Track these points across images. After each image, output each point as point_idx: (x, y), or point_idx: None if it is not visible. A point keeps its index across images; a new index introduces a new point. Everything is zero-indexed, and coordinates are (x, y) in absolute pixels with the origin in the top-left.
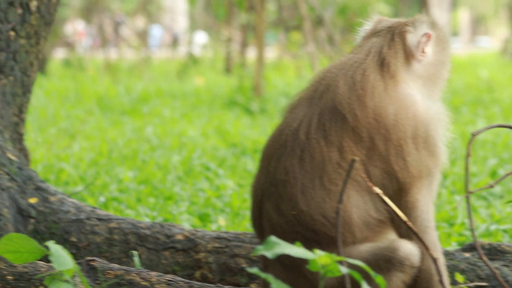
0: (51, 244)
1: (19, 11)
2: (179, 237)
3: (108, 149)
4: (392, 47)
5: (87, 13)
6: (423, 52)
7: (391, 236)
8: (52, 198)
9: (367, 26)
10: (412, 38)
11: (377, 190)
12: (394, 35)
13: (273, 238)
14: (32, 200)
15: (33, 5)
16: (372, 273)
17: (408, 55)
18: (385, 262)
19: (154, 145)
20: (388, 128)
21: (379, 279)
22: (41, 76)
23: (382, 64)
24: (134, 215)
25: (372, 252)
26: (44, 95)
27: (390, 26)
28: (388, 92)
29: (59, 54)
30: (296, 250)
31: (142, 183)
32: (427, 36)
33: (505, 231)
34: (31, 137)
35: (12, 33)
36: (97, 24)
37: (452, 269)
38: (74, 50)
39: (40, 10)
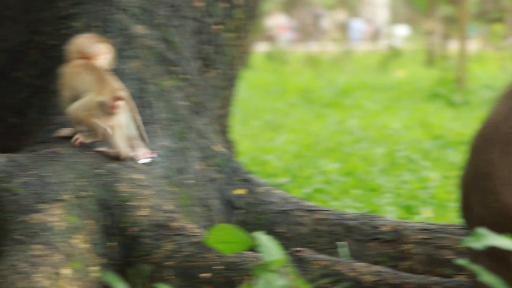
0: (259, 234)
1: (225, 5)
2: (385, 228)
3: (312, 141)
4: None
5: (288, 7)
6: None
7: None
8: (259, 190)
9: None
10: None
11: None
12: None
13: (481, 230)
14: (240, 191)
15: None
16: None
17: None
18: None
19: (357, 137)
20: None
21: None
22: (245, 69)
23: None
24: (339, 206)
25: None
26: (248, 88)
27: None
28: None
29: (261, 48)
30: (505, 242)
31: (346, 174)
32: None
33: None
34: (237, 130)
35: (218, 27)
36: (298, 18)
37: None
38: (276, 43)
39: (245, 4)
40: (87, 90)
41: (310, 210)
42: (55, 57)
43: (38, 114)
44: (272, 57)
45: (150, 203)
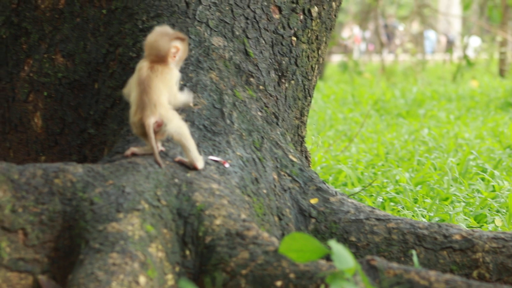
0: (333, 243)
1: (301, 17)
2: (457, 237)
3: (385, 151)
4: None
5: (363, 19)
6: None
7: None
8: (332, 199)
9: None
10: None
11: None
12: None
13: None
14: (313, 201)
15: (315, 11)
16: None
17: None
18: None
19: (430, 147)
20: None
21: None
22: (319, 80)
23: None
24: (411, 216)
25: None
26: (322, 98)
27: None
28: None
29: (336, 59)
30: None
31: (418, 184)
32: None
33: None
34: (311, 139)
35: (294, 39)
36: (372, 29)
37: None
38: (350, 54)
39: (321, 15)
40: (131, 100)
41: (383, 219)
42: (134, 69)
43: (116, 125)
44: (347, 68)
45: (225, 212)
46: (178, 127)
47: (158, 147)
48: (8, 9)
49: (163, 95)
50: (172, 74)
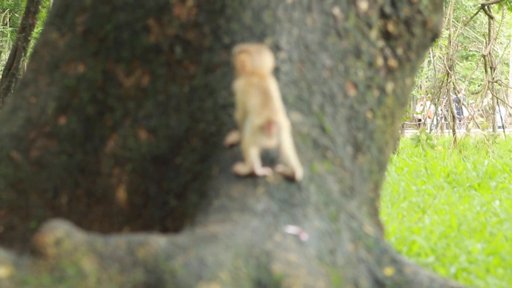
0: None
1: (376, 93)
2: None
3: (458, 222)
4: None
5: (435, 93)
6: None
7: None
8: (406, 270)
9: None
10: None
11: None
12: None
13: None
14: (388, 271)
15: (389, 87)
16: None
17: None
18: None
19: (501, 218)
20: None
21: None
22: (393, 153)
23: None
24: (483, 285)
25: None
26: (396, 171)
27: None
28: None
29: (408, 133)
30: None
31: (490, 254)
32: None
33: None
34: (385, 211)
35: (369, 114)
36: (444, 103)
37: None
38: (423, 128)
39: (395, 92)
40: (250, 111)
41: None
42: (214, 144)
43: (197, 198)
44: (419, 141)
45: (302, 282)
46: (288, 136)
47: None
48: (94, 87)
49: (280, 103)
50: (275, 85)
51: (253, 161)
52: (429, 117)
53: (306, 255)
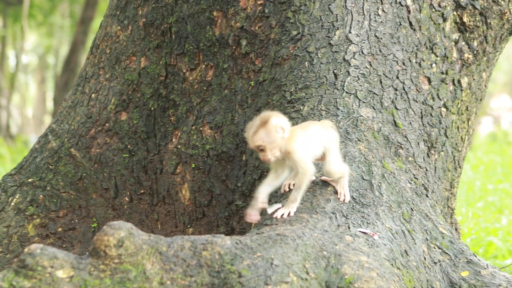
0: None
1: (451, 87)
2: None
3: None
4: None
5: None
6: None
7: None
8: (483, 272)
9: None
10: None
11: None
12: None
13: None
14: (464, 273)
15: (465, 81)
16: None
17: None
18: None
19: None
20: None
21: None
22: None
23: None
24: None
25: None
26: (471, 169)
27: None
28: None
29: (485, 129)
30: None
31: None
32: None
33: None
34: (461, 211)
35: (443, 109)
36: None
37: None
38: (499, 124)
39: (471, 86)
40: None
41: None
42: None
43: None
44: (496, 138)
45: (374, 285)
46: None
47: None
48: (156, 81)
49: None
50: None
51: None
52: (506, 112)
53: (378, 256)
